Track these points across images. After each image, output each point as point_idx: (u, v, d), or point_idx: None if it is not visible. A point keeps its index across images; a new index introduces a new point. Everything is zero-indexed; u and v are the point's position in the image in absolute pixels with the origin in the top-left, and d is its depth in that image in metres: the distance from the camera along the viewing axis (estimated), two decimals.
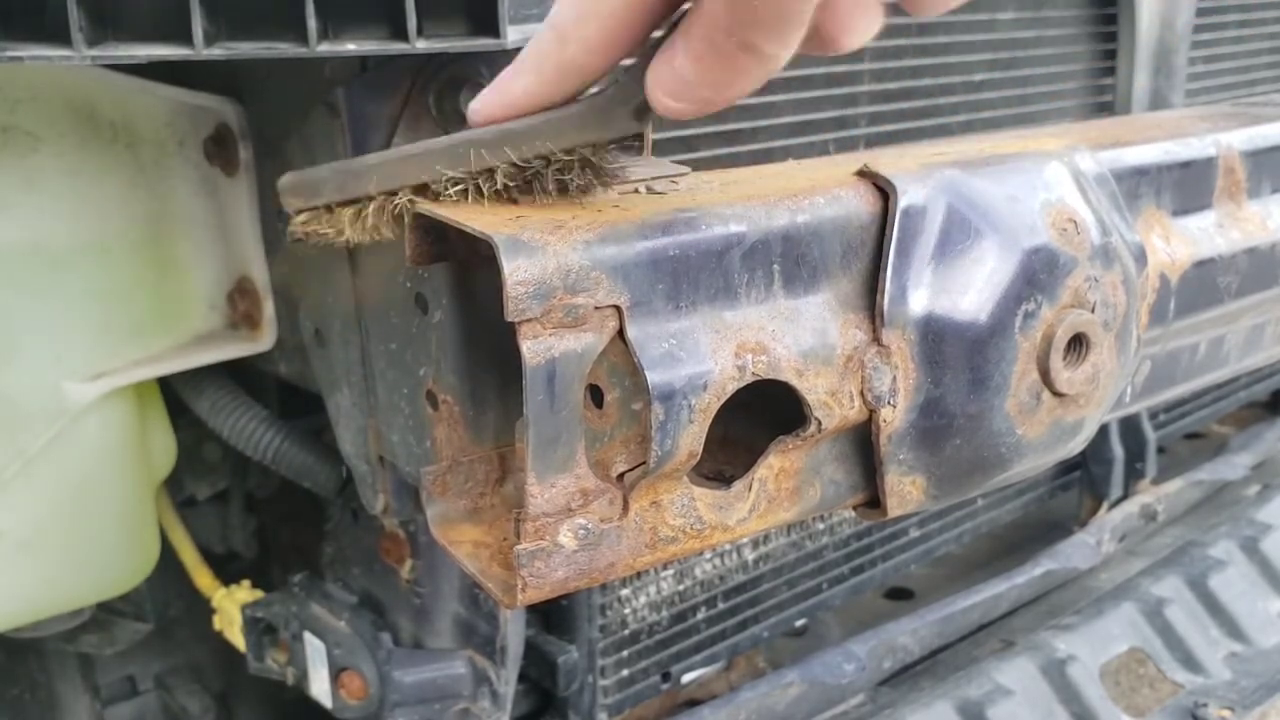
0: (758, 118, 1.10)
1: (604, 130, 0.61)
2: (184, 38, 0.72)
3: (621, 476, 0.65)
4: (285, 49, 0.74)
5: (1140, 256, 0.84)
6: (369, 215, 0.69)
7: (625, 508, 0.65)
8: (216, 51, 0.73)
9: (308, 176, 0.74)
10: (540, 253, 0.59)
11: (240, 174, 0.99)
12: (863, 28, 0.57)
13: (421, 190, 0.67)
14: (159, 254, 0.99)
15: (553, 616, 1.18)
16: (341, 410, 0.97)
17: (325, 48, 0.74)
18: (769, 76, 0.55)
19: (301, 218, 0.74)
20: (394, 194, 0.67)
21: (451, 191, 0.65)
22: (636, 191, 0.71)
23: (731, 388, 0.64)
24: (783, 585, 1.37)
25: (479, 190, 0.65)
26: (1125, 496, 1.72)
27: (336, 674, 1.12)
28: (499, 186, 0.64)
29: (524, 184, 0.65)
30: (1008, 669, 1.30)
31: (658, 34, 0.58)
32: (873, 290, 0.70)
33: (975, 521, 1.62)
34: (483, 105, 0.62)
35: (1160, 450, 1.79)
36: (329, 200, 0.72)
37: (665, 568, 1.24)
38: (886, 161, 0.73)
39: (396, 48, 0.76)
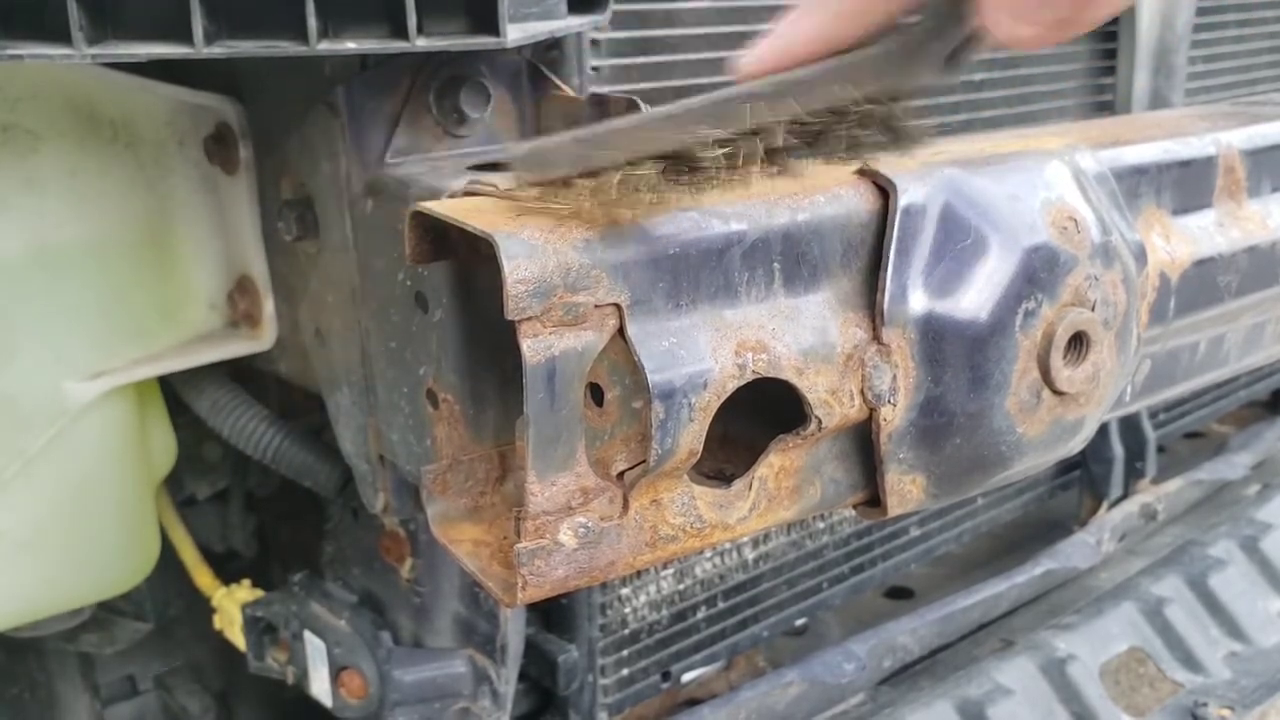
0: None
1: (919, 71, 0.53)
2: (184, 36, 0.72)
3: (622, 475, 0.65)
4: (285, 48, 0.74)
5: (1140, 255, 0.84)
6: (612, 188, 0.59)
7: (625, 506, 0.65)
8: (217, 50, 0.73)
9: (544, 146, 0.65)
10: (540, 251, 0.59)
11: (240, 173, 0.99)
12: None
13: (676, 159, 0.58)
14: (159, 253, 0.99)
15: (553, 615, 1.18)
16: (341, 409, 0.97)
17: (325, 46, 0.74)
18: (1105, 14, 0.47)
19: (534, 192, 0.64)
20: (639, 164, 0.59)
21: (718, 155, 0.57)
22: (636, 190, 0.71)
23: (732, 386, 0.64)
24: (783, 584, 1.37)
25: (750, 154, 0.56)
26: (1125, 496, 1.72)
27: (337, 673, 1.12)
28: (779, 146, 0.56)
29: (806, 144, 0.57)
30: (1008, 668, 1.30)
31: None
32: (873, 289, 0.70)
33: (975, 521, 1.62)
34: (759, 54, 0.54)
35: (1160, 449, 1.79)
36: (566, 173, 0.62)
37: (665, 567, 1.24)
38: (887, 160, 0.73)
39: (396, 46, 0.76)
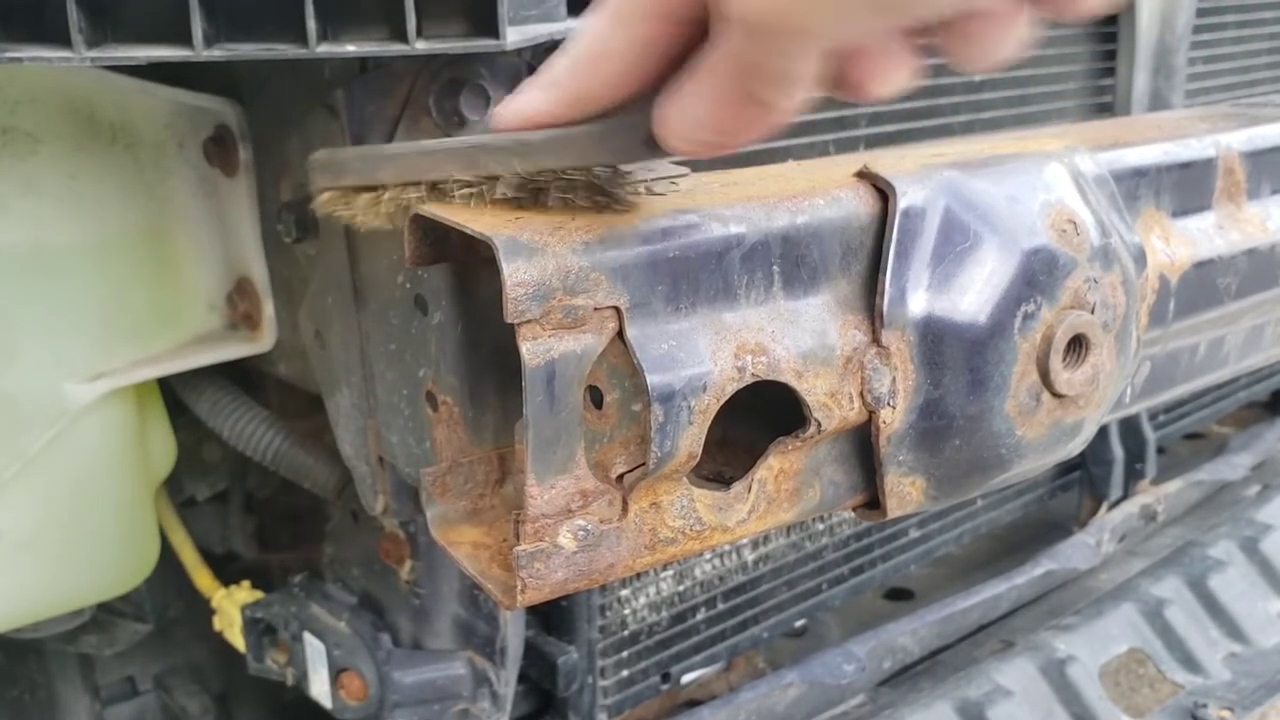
0: None
1: (609, 155, 0.61)
2: (184, 39, 0.72)
3: (621, 478, 0.65)
4: (285, 50, 0.74)
5: (1140, 257, 0.84)
6: (383, 204, 0.70)
7: (625, 509, 0.65)
8: (216, 53, 0.73)
9: (336, 157, 0.75)
10: (540, 254, 0.59)
11: (240, 175, 0.99)
12: (892, 78, 0.56)
13: (434, 187, 0.67)
14: (158, 255, 0.99)
15: (552, 617, 1.18)
16: (341, 411, 0.97)
17: (325, 49, 0.74)
18: (776, 127, 0.55)
19: (325, 197, 0.75)
20: (409, 186, 0.68)
21: (458, 195, 0.65)
22: (636, 193, 0.71)
23: (731, 389, 0.64)
24: (782, 586, 1.37)
25: (483, 196, 0.65)
26: (1125, 497, 1.72)
27: (336, 674, 1.12)
28: (505, 196, 0.64)
29: (530, 196, 0.65)
30: (1008, 669, 1.31)
31: None
32: (872, 291, 0.70)
33: (975, 522, 1.62)
34: (502, 112, 0.62)
35: (1160, 450, 1.79)
36: (351, 183, 0.72)
37: (665, 568, 1.24)
38: (886, 162, 0.73)
39: (396, 49, 0.76)
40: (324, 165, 0.75)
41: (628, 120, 0.59)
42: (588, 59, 0.58)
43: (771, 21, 0.49)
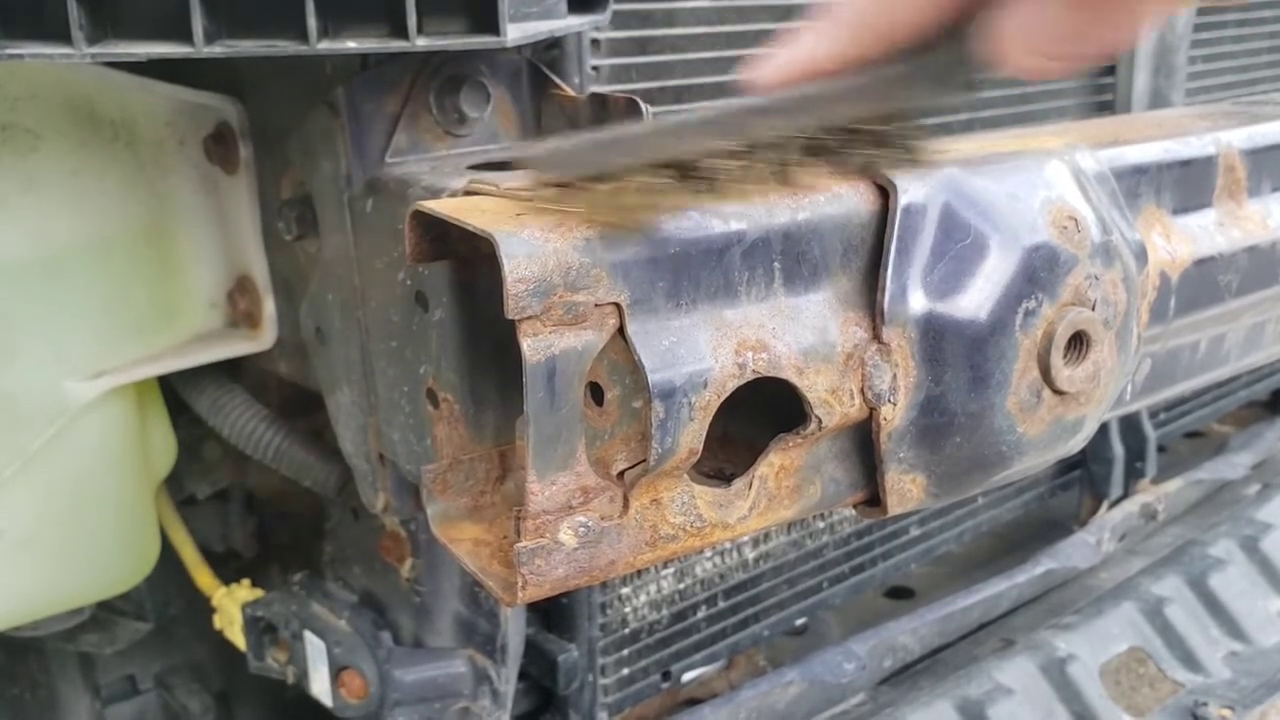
0: None
1: (937, 92, 0.53)
2: (184, 36, 0.72)
3: (622, 474, 0.65)
4: (285, 47, 0.74)
5: (1141, 254, 0.84)
6: (626, 195, 0.60)
7: (625, 505, 0.65)
8: (217, 50, 0.73)
9: (561, 148, 0.64)
10: (540, 250, 0.59)
11: (240, 172, 0.99)
12: None
13: (690, 167, 0.59)
14: (159, 252, 0.99)
15: (553, 615, 1.18)
16: (342, 409, 0.97)
17: (325, 46, 0.74)
18: (1138, 33, 0.47)
19: (548, 193, 0.63)
20: (655, 170, 0.59)
21: (731, 166, 0.57)
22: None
23: (732, 385, 0.64)
24: (783, 584, 1.37)
25: (762, 168, 0.58)
26: (1125, 495, 1.72)
27: (337, 673, 1.12)
28: (791, 162, 0.57)
29: (820, 158, 0.58)
30: (1008, 668, 1.31)
31: None
32: (873, 288, 0.70)
33: (975, 520, 1.62)
34: (771, 68, 0.53)
35: (1160, 449, 1.79)
36: (583, 175, 0.62)
37: (665, 566, 1.24)
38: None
39: (396, 46, 0.76)
40: (549, 159, 0.64)
41: (956, 45, 0.51)
42: (841, 9, 0.50)
43: None
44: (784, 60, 0.53)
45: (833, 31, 0.52)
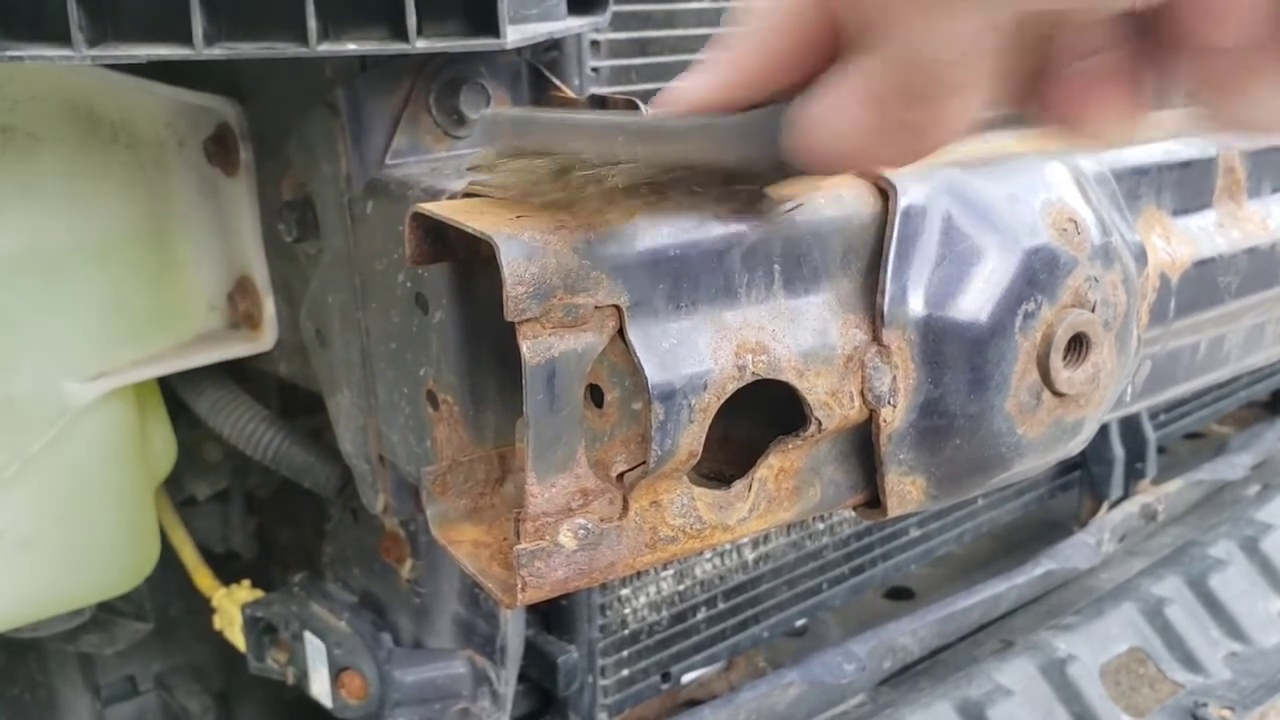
0: None
1: (728, 156, 0.53)
2: (184, 38, 0.72)
3: (621, 476, 0.65)
4: (285, 49, 0.74)
5: (1140, 256, 0.84)
6: (519, 172, 0.63)
7: (625, 507, 0.65)
8: (216, 51, 0.73)
9: (498, 117, 0.68)
10: (540, 252, 0.59)
11: (240, 174, 0.99)
12: (1112, 108, 0.42)
13: (563, 164, 0.60)
14: (159, 254, 0.99)
15: (553, 616, 1.18)
16: (342, 410, 0.97)
17: (325, 47, 0.74)
18: (936, 145, 0.45)
19: (481, 156, 0.68)
20: (544, 156, 0.61)
21: (577, 175, 0.59)
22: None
23: (732, 387, 0.64)
24: (783, 585, 1.37)
25: (600, 181, 0.59)
26: (1125, 496, 1.72)
27: (337, 674, 1.12)
28: (618, 186, 0.59)
29: (650, 191, 0.59)
30: (1008, 669, 1.31)
31: None
32: (873, 290, 0.70)
33: (975, 521, 1.62)
34: (667, 92, 0.54)
35: (1160, 450, 1.79)
36: (502, 148, 0.65)
37: (665, 567, 1.24)
38: None
39: (396, 48, 0.76)
40: (486, 125, 0.68)
41: (758, 117, 0.50)
42: (741, 40, 0.50)
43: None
44: (677, 87, 0.53)
45: (704, 73, 0.52)
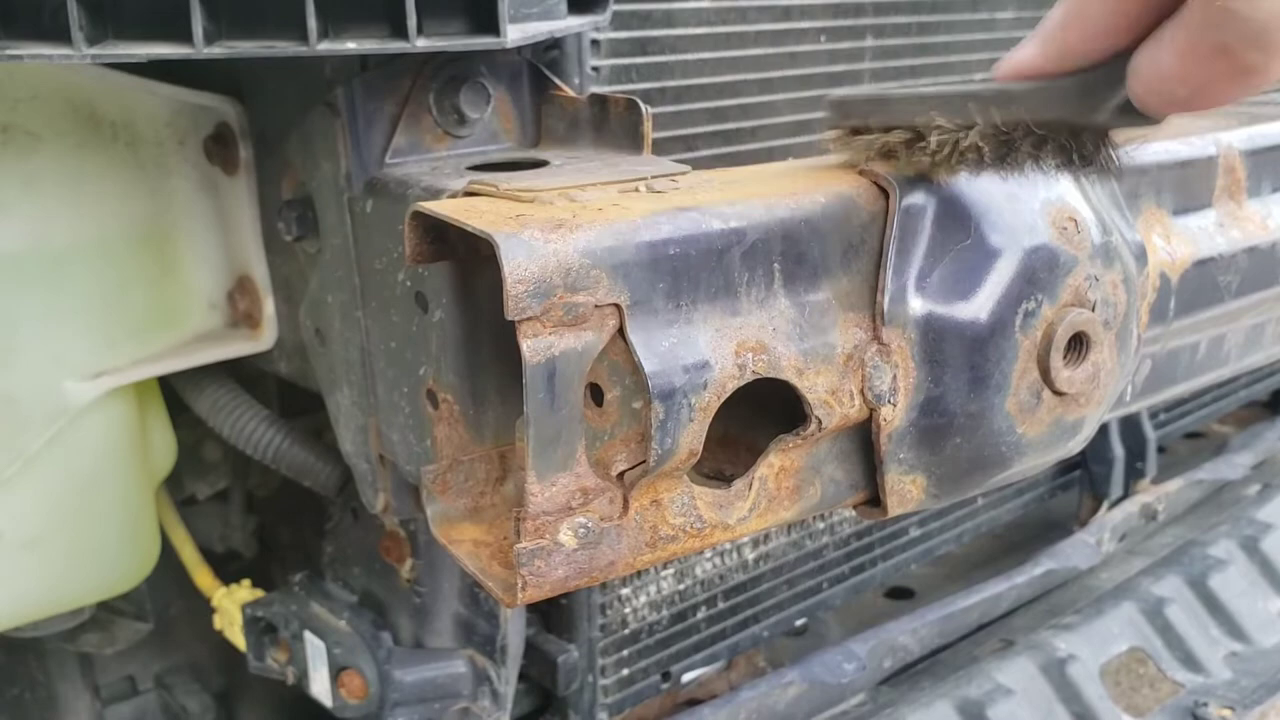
0: (758, 117, 1.10)
1: (1081, 111, 0.60)
2: (184, 37, 0.72)
3: (622, 475, 0.65)
4: (285, 48, 0.74)
5: (1141, 255, 0.84)
6: (874, 146, 0.70)
7: (625, 506, 0.65)
8: (216, 51, 0.73)
9: (847, 97, 0.74)
10: (540, 251, 0.59)
11: (240, 173, 0.99)
12: None
13: (917, 133, 0.66)
14: (159, 253, 0.99)
15: (553, 616, 1.18)
16: (342, 409, 0.97)
17: (325, 47, 0.74)
18: (1258, 87, 0.53)
19: (831, 135, 0.74)
20: (896, 129, 0.68)
21: (934, 140, 0.65)
22: (636, 190, 0.71)
23: (732, 386, 0.64)
24: (783, 585, 1.37)
25: (956, 145, 0.64)
26: (1125, 496, 1.72)
27: (337, 673, 1.12)
28: (975, 145, 0.64)
29: (999, 149, 0.64)
30: (1008, 668, 1.30)
31: None
32: (873, 289, 0.70)
33: (975, 521, 1.62)
34: (1002, 62, 0.62)
35: (1160, 450, 1.79)
36: (852, 124, 0.72)
37: (665, 567, 1.24)
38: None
39: (396, 47, 0.76)
40: (835, 106, 0.74)
41: (1101, 74, 0.58)
42: (1073, 11, 0.57)
43: None
44: (1010, 57, 0.61)
45: (1035, 43, 0.60)
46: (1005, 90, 0.62)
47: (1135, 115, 0.58)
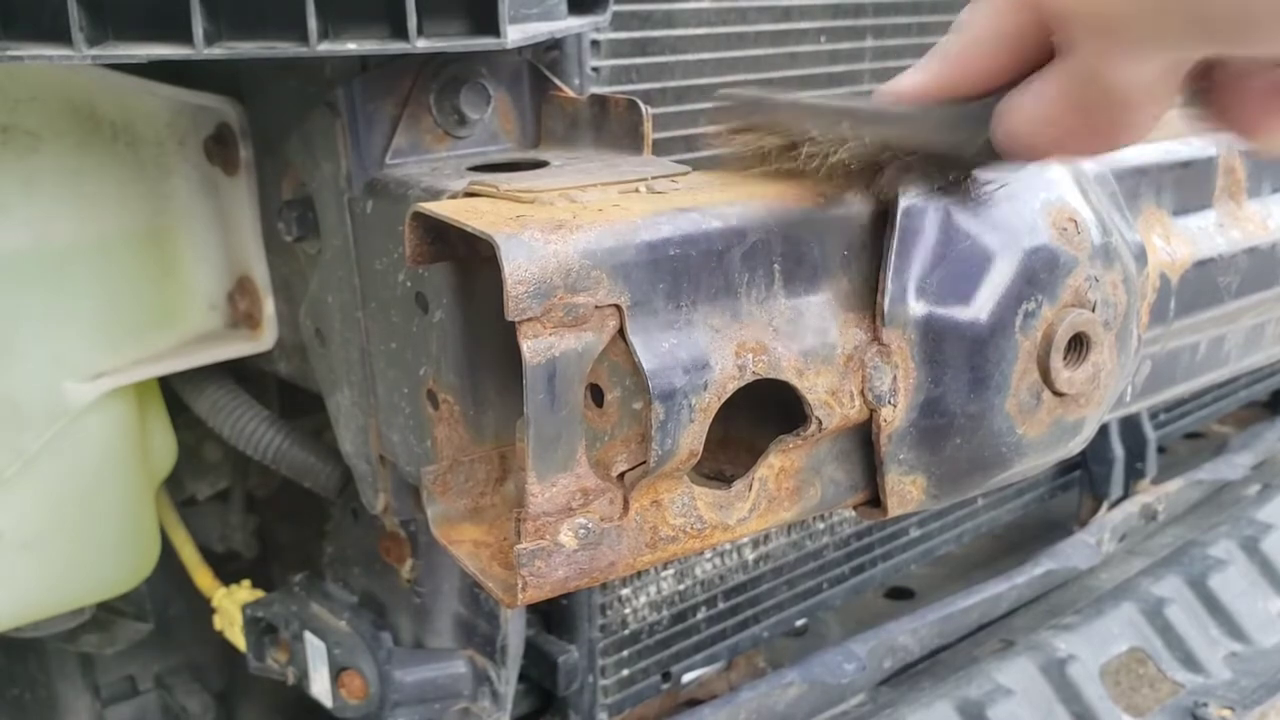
0: None
1: (950, 144, 0.61)
2: (184, 37, 0.72)
3: (622, 476, 0.65)
4: (286, 49, 0.74)
5: (1141, 256, 0.84)
6: (751, 147, 0.70)
7: (626, 507, 0.65)
8: (217, 51, 0.73)
9: (734, 96, 0.74)
10: (541, 252, 0.59)
11: (241, 173, 0.99)
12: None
13: (792, 142, 0.67)
14: (159, 253, 0.99)
15: (553, 616, 1.18)
16: (342, 410, 0.97)
17: (325, 47, 0.74)
18: (1108, 149, 0.54)
19: (713, 131, 0.75)
20: (773, 134, 0.68)
21: (804, 152, 0.66)
22: (637, 190, 0.71)
23: (732, 387, 0.64)
24: (783, 585, 1.37)
25: (825, 159, 0.65)
26: (1125, 496, 1.72)
27: (337, 673, 1.12)
28: (844, 163, 0.64)
29: (867, 171, 0.65)
30: (1008, 669, 1.30)
31: None
32: (873, 290, 0.70)
33: (975, 521, 1.62)
34: (890, 83, 0.62)
35: (1160, 450, 1.79)
36: (736, 124, 0.73)
37: (665, 567, 1.24)
38: None
39: (396, 47, 0.76)
40: (720, 102, 0.75)
41: (974, 110, 0.58)
42: (961, 43, 0.58)
43: (1097, 25, 0.47)
44: (897, 80, 0.61)
45: (923, 70, 0.60)
46: (882, 112, 0.62)
47: (997, 156, 0.59)
